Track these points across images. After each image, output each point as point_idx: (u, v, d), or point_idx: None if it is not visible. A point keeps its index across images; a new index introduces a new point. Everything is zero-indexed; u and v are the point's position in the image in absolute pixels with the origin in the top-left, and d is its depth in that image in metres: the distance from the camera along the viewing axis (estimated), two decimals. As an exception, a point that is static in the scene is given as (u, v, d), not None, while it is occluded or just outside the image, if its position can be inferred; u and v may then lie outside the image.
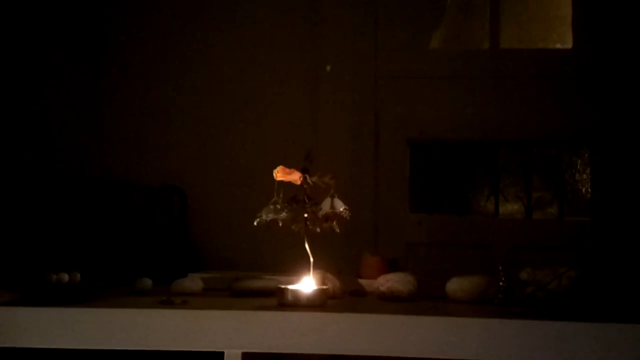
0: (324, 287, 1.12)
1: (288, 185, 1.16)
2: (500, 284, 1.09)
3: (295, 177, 1.12)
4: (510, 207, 2.42)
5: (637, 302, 1.11)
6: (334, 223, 1.11)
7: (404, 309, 1.08)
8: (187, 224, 2.29)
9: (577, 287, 1.07)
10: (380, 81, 2.42)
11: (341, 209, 1.11)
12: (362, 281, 1.43)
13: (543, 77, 2.37)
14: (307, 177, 1.10)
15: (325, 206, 1.12)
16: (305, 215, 1.11)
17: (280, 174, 1.10)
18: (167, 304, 1.07)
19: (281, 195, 1.14)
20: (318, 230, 1.13)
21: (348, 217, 1.12)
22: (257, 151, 2.33)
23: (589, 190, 2.37)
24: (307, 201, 1.10)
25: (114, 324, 0.99)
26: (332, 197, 1.13)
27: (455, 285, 1.23)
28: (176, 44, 2.44)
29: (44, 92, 2.09)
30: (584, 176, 2.40)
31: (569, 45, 2.40)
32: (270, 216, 1.10)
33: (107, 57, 2.43)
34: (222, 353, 1.02)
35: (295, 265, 1.19)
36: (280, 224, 1.12)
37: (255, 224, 1.14)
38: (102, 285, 1.16)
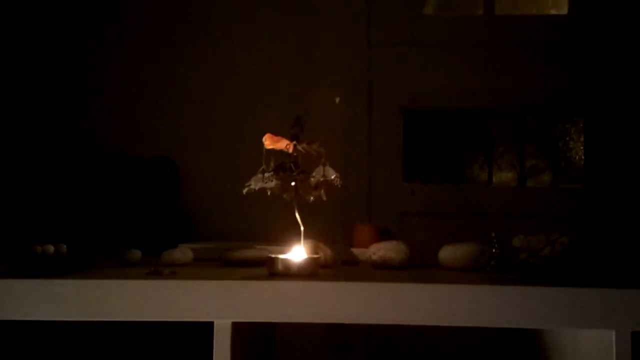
0: (315, 256, 1.11)
1: (280, 153, 1.14)
2: (493, 250, 1.07)
3: (283, 144, 1.09)
4: (504, 176, 2.42)
5: (630, 267, 1.10)
6: (322, 191, 1.09)
7: (395, 277, 1.07)
8: (178, 196, 2.27)
9: (570, 253, 1.06)
10: (373, 49, 2.39)
11: (332, 177, 1.09)
12: (355, 250, 1.41)
13: (538, 44, 2.35)
14: (297, 145, 1.07)
15: (318, 174, 1.10)
16: (293, 183, 1.08)
17: (268, 141, 1.07)
18: (155, 274, 1.05)
19: (271, 164, 1.12)
20: (312, 198, 1.11)
21: (339, 185, 1.09)
22: (250, 121, 2.32)
23: (583, 157, 2.36)
24: (293, 169, 1.07)
25: (100, 295, 0.97)
26: (324, 164, 1.11)
27: (448, 253, 1.22)
28: (167, 13, 2.41)
29: (31, 64, 2.06)
30: (578, 144, 2.39)
31: (564, 11, 2.38)
32: (259, 185, 1.08)
33: (97, 28, 2.40)
34: (212, 323, 1.01)
35: (288, 235, 1.17)
36: (269, 193, 1.10)
37: (244, 192, 1.12)
38: (89, 257, 1.14)
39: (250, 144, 2.07)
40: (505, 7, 2.42)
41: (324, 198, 1.09)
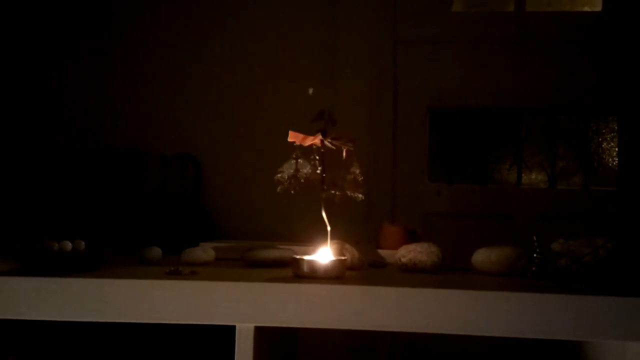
0: (342, 257, 1.05)
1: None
2: (535, 255, 1.01)
3: (305, 139, 1.04)
4: (534, 177, 2.35)
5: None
6: (350, 190, 1.03)
7: (427, 282, 1.01)
8: (201, 193, 2.25)
9: (616, 260, 0.99)
10: (399, 46, 2.35)
11: (357, 172, 1.03)
12: (382, 252, 1.36)
13: (570, 41, 2.29)
14: (324, 140, 1.02)
15: (355, 170, 1.05)
16: (304, 174, 1.03)
17: (292, 138, 1.02)
18: (175, 274, 1.01)
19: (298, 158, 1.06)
20: (361, 196, 1.05)
21: (360, 181, 1.04)
22: (273, 119, 2.28)
23: (616, 159, 2.29)
24: (318, 165, 1.02)
25: (116, 295, 0.93)
26: (354, 160, 1.06)
27: (482, 257, 1.15)
28: (188, 9, 2.38)
29: (55, 62, 2.05)
30: (612, 144, 2.32)
31: (598, 7, 2.31)
32: (292, 171, 1.03)
33: (119, 26, 2.39)
34: (234, 327, 0.96)
35: (311, 235, 1.12)
36: (302, 180, 1.03)
37: (275, 179, 1.06)
38: (107, 255, 1.09)
39: (273, 141, 2.05)
40: (536, 3, 2.35)
41: (360, 197, 1.04)
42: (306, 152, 1.07)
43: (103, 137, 2.34)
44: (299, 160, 1.03)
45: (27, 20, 1.88)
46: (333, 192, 1.03)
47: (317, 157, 1.01)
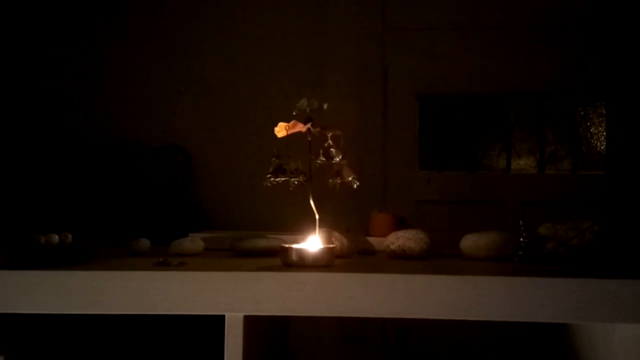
0: (331, 245, 1.05)
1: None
2: (521, 239, 1.01)
3: (299, 127, 1.04)
4: (523, 163, 2.36)
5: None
6: (340, 177, 1.03)
7: (416, 268, 1.01)
8: (191, 185, 2.24)
9: (602, 243, 1.00)
10: (388, 34, 2.34)
11: (349, 178, 1.03)
12: (371, 239, 1.36)
13: (558, 27, 2.29)
14: (311, 128, 1.02)
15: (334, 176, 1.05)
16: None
17: (289, 128, 1.02)
18: (163, 265, 1.00)
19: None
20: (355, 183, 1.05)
21: (355, 187, 1.04)
22: (262, 110, 2.28)
23: (604, 143, 2.31)
24: (333, 154, 1.01)
25: (105, 287, 0.92)
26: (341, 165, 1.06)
27: (470, 242, 1.16)
28: (178, 4, 2.37)
29: (44, 54, 2.04)
30: (599, 129, 2.33)
31: (585, -8, 2.31)
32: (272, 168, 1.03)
33: (107, 16, 2.37)
34: (223, 317, 0.96)
35: (301, 224, 1.12)
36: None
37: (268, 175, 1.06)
38: (95, 247, 1.09)
39: (262, 132, 2.04)
40: (524, -11, 2.35)
41: (357, 183, 1.03)
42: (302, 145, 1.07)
43: (93, 130, 2.33)
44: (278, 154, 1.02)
45: (18, 16, 1.86)
46: (338, 180, 1.03)
47: (332, 148, 1.00)
